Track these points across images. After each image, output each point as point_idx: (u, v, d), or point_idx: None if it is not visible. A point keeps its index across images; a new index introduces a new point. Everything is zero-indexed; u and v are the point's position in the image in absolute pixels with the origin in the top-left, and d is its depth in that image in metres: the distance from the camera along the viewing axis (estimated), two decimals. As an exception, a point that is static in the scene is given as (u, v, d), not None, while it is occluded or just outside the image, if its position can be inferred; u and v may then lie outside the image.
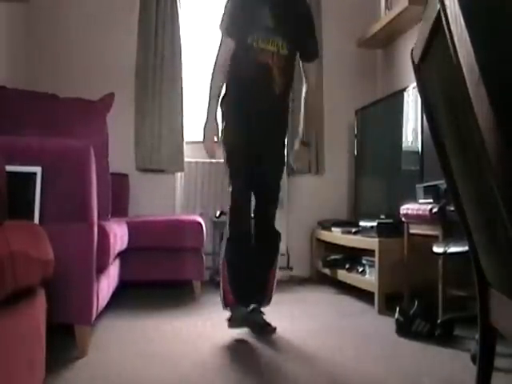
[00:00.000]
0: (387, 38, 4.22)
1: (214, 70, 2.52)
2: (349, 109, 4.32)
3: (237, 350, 2.31)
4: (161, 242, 3.36)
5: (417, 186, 2.90)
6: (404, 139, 3.42)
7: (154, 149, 4.11)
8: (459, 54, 0.77)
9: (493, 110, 0.68)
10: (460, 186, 1.11)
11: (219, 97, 2.53)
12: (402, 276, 2.95)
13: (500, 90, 0.69)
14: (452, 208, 2.38)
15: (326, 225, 4.08)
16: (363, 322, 2.83)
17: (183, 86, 4.17)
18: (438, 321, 2.42)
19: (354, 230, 3.53)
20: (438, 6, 0.84)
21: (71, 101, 2.90)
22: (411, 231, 2.92)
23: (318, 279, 4.16)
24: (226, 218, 2.66)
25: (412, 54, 1.15)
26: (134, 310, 3.03)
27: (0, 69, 3.42)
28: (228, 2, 2.54)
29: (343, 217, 4.36)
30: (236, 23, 2.50)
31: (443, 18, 0.82)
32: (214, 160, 4.14)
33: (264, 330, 2.52)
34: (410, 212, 2.82)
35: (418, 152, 3.16)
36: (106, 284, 2.44)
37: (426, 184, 2.83)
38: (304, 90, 2.73)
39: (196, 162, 4.20)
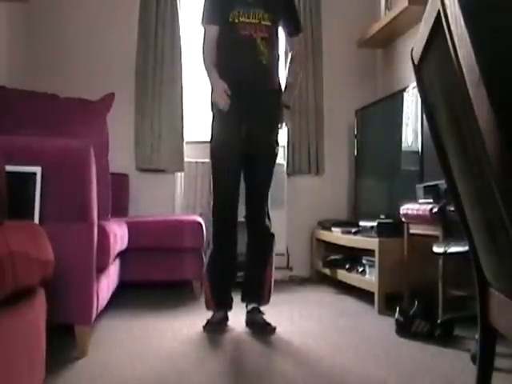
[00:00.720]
0: (387, 38, 4.22)
1: (202, 51, 2.57)
2: (349, 109, 4.32)
3: (236, 349, 2.31)
4: (161, 242, 3.35)
5: (417, 186, 2.90)
6: (404, 139, 3.41)
7: (153, 149, 4.11)
8: (459, 55, 0.77)
9: (493, 110, 0.68)
10: (460, 186, 1.11)
11: (215, 65, 2.55)
12: (402, 276, 2.95)
13: (500, 91, 0.69)
14: (452, 208, 2.38)
15: (325, 225, 4.08)
16: (363, 322, 2.83)
17: (183, 86, 4.17)
18: (438, 321, 2.42)
19: (354, 230, 3.53)
20: (438, 5, 0.84)
21: (71, 101, 2.90)
22: (411, 231, 2.92)
23: (318, 279, 4.16)
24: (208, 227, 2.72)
25: (412, 54, 1.15)
26: (133, 310, 3.02)
27: (0, 69, 3.42)
28: None
29: (343, 217, 4.35)
30: (215, 9, 2.56)
31: (443, 18, 0.82)
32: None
33: (264, 330, 2.53)
34: (409, 212, 2.82)
35: (418, 152, 3.16)
36: (106, 284, 2.44)
37: (426, 184, 2.83)
38: (289, 59, 2.73)
39: (196, 162, 4.20)
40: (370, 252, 3.19)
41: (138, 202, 4.09)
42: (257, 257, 2.68)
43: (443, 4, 0.82)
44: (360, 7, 4.47)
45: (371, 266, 3.22)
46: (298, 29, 2.73)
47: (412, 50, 1.15)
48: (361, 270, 3.38)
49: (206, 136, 4.25)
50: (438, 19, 0.87)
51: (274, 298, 2.73)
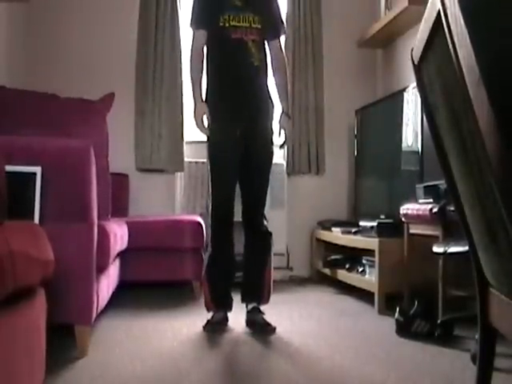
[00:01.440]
0: (387, 38, 4.22)
1: (190, 59, 2.57)
2: (349, 109, 4.32)
3: (236, 349, 2.31)
4: (161, 242, 3.35)
5: (417, 186, 2.90)
6: (404, 139, 3.41)
7: (153, 149, 4.11)
8: (459, 55, 0.77)
9: (493, 110, 0.68)
10: (460, 186, 1.11)
11: (201, 80, 2.56)
12: (402, 276, 2.95)
13: (500, 91, 0.69)
14: (452, 208, 2.38)
15: (326, 225, 4.08)
16: (363, 322, 2.83)
17: (183, 85, 4.17)
18: (438, 321, 2.42)
19: (354, 230, 3.53)
20: (438, 5, 0.84)
21: (71, 101, 2.90)
22: (411, 231, 2.92)
23: (318, 279, 4.16)
24: (206, 229, 2.72)
25: (412, 54, 1.15)
26: (133, 310, 3.03)
27: (0, 69, 3.42)
28: (193, 3, 2.62)
29: (343, 217, 4.36)
30: (205, 13, 2.57)
31: (443, 18, 0.82)
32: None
33: (264, 330, 2.53)
34: (410, 212, 2.82)
35: (418, 152, 3.16)
36: (106, 284, 2.44)
37: (426, 184, 2.84)
38: (272, 69, 2.72)
39: (196, 162, 4.20)
40: (370, 252, 3.19)
41: (138, 202, 4.09)
42: (255, 257, 2.68)
43: (443, 4, 0.82)
44: (360, 7, 4.48)
45: (371, 266, 3.22)
46: (276, 34, 2.72)
47: (412, 50, 1.15)
48: (361, 270, 3.38)
49: (206, 136, 4.30)
50: (438, 19, 0.87)
51: (273, 297, 2.73)
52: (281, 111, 2.70)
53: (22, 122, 2.63)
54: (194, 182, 4.20)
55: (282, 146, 2.74)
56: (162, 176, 4.19)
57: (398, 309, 2.53)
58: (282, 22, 2.77)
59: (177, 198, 4.23)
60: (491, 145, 0.71)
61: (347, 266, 3.57)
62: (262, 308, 2.66)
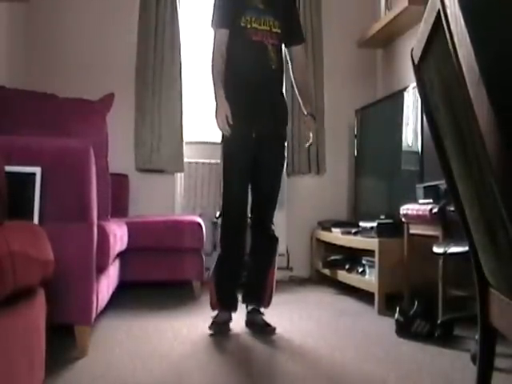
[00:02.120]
0: (387, 38, 4.22)
1: (212, 58, 2.55)
2: (349, 109, 4.32)
3: (237, 350, 2.31)
4: (161, 242, 3.35)
5: (417, 186, 2.90)
6: (404, 139, 3.41)
7: (153, 149, 4.11)
8: (459, 54, 0.77)
9: (493, 110, 0.68)
10: (460, 186, 1.11)
11: (222, 79, 2.54)
12: (402, 276, 2.95)
13: (500, 91, 0.69)
14: (452, 208, 2.38)
15: (325, 225, 4.08)
16: (363, 322, 2.83)
17: (183, 85, 4.17)
18: (438, 321, 2.42)
19: (353, 230, 3.53)
20: (438, 5, 0.84)
21: (71, 101, 2.90)
22: (411, 231, 2.92)
23: (318, 279, 4.16)
24: (217, 229, 2.70)
25: (412, 54, 1.15)
26: (133, 310, 3.02)
27: (0, 69, 3.42)
28: (215, 2, 2.61)
29: (343, 217, 4.35)
30: (227, 12, 2.56)
31: (443, 18, 0.82)
32: (213, 161, 4.18)
33: (264, 330, 2.53)
34: (410, 212, 2.82)
35: (418, 152, 3.16)
36: (106, 284, 2.44)
37: (426, 184, 2.84)
38: (291, 71, 2.74)
39: (196, 163, 4.20)
40: (369, 252, 3.19)
41: (138, 202, 4.09)
42: (261, 260, 2.67)
43: (443, 4, 0.82)
44: (360, 7, 4.48)
45: (371, 267, 3.22)
46: (300, 39, 2.74)
47: (412, 50, 1.15)
48: (361, 270, 3.38)
49: (206, 136, 4.31)
50: (438, 19, 0.87)
51: (274, 298, 2.72)
52: (305, 113, 2.72)
53: (21, 121, 2.63)
54: (193, 182, 4.21)
55: (308, 147, 2.76)
56: (161, 176, 4.19)
57: (397, 309, 2.53)
58: (301, 29, 2.79)
59: (177, 198, 4.23)
60: (491, 145, 0.71)
61: (347, 266, 3.56)
62: (262, 309, 2.65)
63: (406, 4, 3.51)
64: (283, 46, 2.65)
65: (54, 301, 1.71)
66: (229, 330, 2.57)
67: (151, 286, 3.55)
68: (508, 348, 2.02)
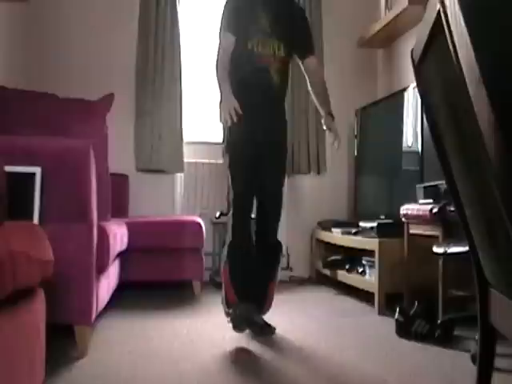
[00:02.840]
0: (387, 38, 4.22)
1: (218, 58, 2.53)
2: (349, 109, 4.31)
3: (236, 350, 2.31)
4: (161, 242, 3.35)
5: (417, 186, 2.90)
6: (404, 139, 3.41)
7: (153, 149, 4.11)
8: (459, 54, 0.77)
9: (493, 110, 0.68)
10: (460, 186, 1.11)
11: (228, 79, 2.51)
12: (402, 276, 2.95)
13: (500, 91, 0.69)
14: (452, 208, 2.38)
15: (325, 225, 4.07)
16: (363, 322, 2.83)
17: (183, 86, 4.17)
18: (438, 321, 2.42)
19: (353, 230, 3.53)
20: (438, 5, 0.84)
21: (71, 101, 2.91)
22: (411, 231, 2.92)
23: (317, 279, 4.16)
24: (227, 221, 2.67)
25: (412, 54, 1.15)
26: (133, 309, 3.02)
27: (0, 69, 3.42)
28: (224, 10, 2.60)
29: (343, 217, 4.35)
30: (236, 24, 2.56)
31: (443, 18, 0.82)
32: (213, 161, 4.18)
33: (264, 331, 2.52)
34: (410, 212, 2.82)
35: (418, 152, 3.15)
36: (106, 284, 2.44)
37: (426, 184, 2.83)
38: (308, 84, 2.75)
39: (196, 163, 4.21)
40: (369, 252, 3.19)
41: (138, 203, 4.09)
42: (263, 269, 2.65)
43: (443, 4, 0.82)
44: (360, 7, 4.48)
45: (371, 267, 3.22)
46: (309, 51, 2.73)
47: (412, 50, 1.15)
48: (361, 270, 3.38)
49: (206, 136, 4.31)
50: (438, 19, 0.87)
51: (274, 297, 2.72)
52: (323, 114, 2.73)
53: (21, 122, 2.63)
54: (193, 182, 4.21)
55: (334, 144, 2.79)
56: (162, 176, 4.19)
57: (397, 309, 2.53)
58: (312, 41, 2.77)
59: (177, 199, 4.23)
60: (491, 143, 0.71)
61: (347, 266, 3.56)
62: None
63: (406, 4, 3.50)
64: (288, 66, 2.68)
65: (54, 301, 1.71)
66: (256, 321, 2.48)
67: (151, 285, 3.55)
68: (508, 348, 2.02)
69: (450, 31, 0.79)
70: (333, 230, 3.85)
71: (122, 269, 3.12)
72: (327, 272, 3.89)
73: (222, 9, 2.62)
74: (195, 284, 3.43)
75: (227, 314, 2.52)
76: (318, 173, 4.37)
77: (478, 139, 0.77)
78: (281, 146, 2.71)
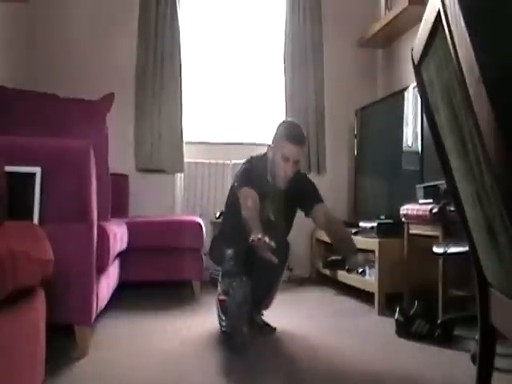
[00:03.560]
0: (387, 38, 4.22)
1: (246, 203, 2.38)
2: (349, 109, 4.32)
3: (236, 350, 2.31)
4: (161, 242, 3.35)
5: (417, 186, 2.90)
6: (404, 139, 3.41)
7: (153, 149, 4.11)
8: (459, 54, 0.77)
9: (493, 110, 0.68)
10: (460, 186, 1.11)
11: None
12: (402, 276, 2.95)
13: (500, 90, 0.69)
14: (452, 208, 2.38)
15: (325, 225, 4.07)
16: (363, 321, 2.83)
17: (183, 86, 4.17)
18: (438, 321, 2.42)
19: (353, 230, 3.53)
20: (438, 5, 0.84)
21: (71, 101, 2.90)
22: (411, 231, 2.92)
23: (317, 279, 4.16)
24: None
25: (412, 53, 1.15)
26: (133, 309, 3.02)
27: (0, 69, 3.42)
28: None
29: (343, 217, 4.34)
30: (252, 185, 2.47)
31: (443, 18, 0.82)
32: (213, 161, 4.18)
33: (263, 330, 2.53)
34: (410, 212, 2.82)
35: (418, 152, 3.16)
36: (106, 284, 2.44)
37: (426, 184, 2.83)
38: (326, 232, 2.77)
39: (196, 163, 4.20)
40: (369, 252, 3.19)
41: (138, 202, 4.09)
42: (268, 271, 2.62)
43: (443, 4, 0.82)
44: (360, 7, 4.48)
45: (371, 267, 3.22)
46: (316, 202, 2.72)
47: (412, 50, 1.15)
48: (361, 270, 3.38)
49: (206, 136, 4.31)
50: (437, 19, 0.87)
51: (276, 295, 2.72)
52: (347, 256, 2.56)
53: (21, 121, 2.63)
54: (193, 182, 4.21)
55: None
56: (161, 176, 4.19)
57: (397, 309, 2.53)
58: (320, 198, 2.75)
59: (177, 199, 4.23)
60: (491, 144, 0.71)
61: (347, 266, 3.56)
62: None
63: (406, 4, 3.51)
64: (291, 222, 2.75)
65: (54, 301, 1.71)
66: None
67: (151, 286, 3.55)
68: (508, 348, 2.02)
69: (450, 31, 0.79)
70: (333, 229, 3.84)
71: (122, 269, 3.12)
72: (327, 272, 3.89)
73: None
74: (195, 284, 3.43)
75: (223, 327, 2.44)
76: (318, 173, 4.37)
77: (478, 139, 0.77)
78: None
